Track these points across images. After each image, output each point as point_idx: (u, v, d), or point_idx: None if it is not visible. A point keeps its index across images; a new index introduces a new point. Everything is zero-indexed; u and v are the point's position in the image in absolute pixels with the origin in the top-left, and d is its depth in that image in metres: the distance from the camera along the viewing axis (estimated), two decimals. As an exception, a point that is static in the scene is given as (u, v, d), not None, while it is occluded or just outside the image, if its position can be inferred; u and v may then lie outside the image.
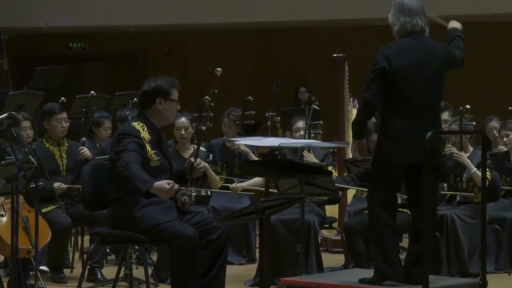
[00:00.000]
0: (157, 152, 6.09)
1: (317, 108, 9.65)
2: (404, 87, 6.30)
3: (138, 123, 6.14)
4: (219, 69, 7.25)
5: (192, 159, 6.38)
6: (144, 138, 6.06)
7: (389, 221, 6.36)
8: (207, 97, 7.63)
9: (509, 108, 10.06)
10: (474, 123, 9.04)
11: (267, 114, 10.93)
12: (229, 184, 8.80)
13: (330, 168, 8.55)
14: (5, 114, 7.23)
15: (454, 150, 8.55)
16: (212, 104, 7.56)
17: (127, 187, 5.97)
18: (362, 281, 6.41)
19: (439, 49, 6.44)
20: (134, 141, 5.98)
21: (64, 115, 8.35)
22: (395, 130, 6.31)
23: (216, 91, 7.22)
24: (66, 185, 8.13)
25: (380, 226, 6.35)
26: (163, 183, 5.83)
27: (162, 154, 6.13)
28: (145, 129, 6.10)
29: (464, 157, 8.50)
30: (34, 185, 7.12)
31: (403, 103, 6.31)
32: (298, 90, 14.07)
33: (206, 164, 8.77)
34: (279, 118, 11.67)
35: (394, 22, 6.43)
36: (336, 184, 7.92)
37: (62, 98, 9.18)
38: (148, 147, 6.06)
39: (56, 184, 7.99)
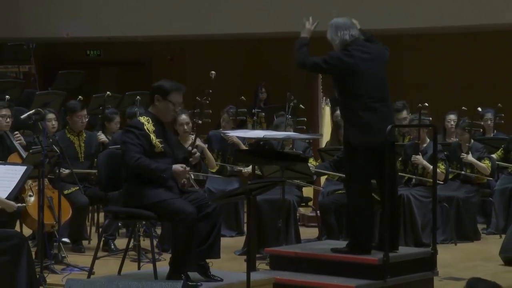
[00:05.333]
0: (161, 141, 6.06)
1: (303, 107, 9.64)
2: (363, 83, 6.22)
3: (144, 117, 6.12)
4: (213, 72, 7.23)
5: (190, 148, 6.39)
6: (148, 129, 6.01)
7: (369, 203, 6.32)
8: (204, 97, 7.64)
9: (463, 108, 9.98)
10: (430, 118, 9.06)
11: (253, 111, 10.93)
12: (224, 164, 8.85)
13: (311, 160, 8.52)
14: (33, 110, 7.22)
15: (417, 158, 8.52)
16: (207, 101, 7.55)
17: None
18: (334, 250, 6.41)
19: (381, 49, 6.42)
20: (138, 134, 5.94)
21: (84, 112, 8.34)
22: (359, 121, 6.21)
23: (211, 90, 7.21)
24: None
25: (363, 207, 6.28)
26: (178, 167, 5.87)
27: (166, 143, 6.11)
28: (150, 122, 6.06)
29: (421, 159, 8.54)
30: (57, 170, 7.14)
31: (364, 97, 6.21)
32: (259, 90, 13.97)
33: (203, 145, 8.78)
34: (263, 114, 11.66)
35: (333, 37, 6.43)
36: (317, 170, 7.92)
37: (80, 97, 9.16)
38: (152, 136, 6.01)
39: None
